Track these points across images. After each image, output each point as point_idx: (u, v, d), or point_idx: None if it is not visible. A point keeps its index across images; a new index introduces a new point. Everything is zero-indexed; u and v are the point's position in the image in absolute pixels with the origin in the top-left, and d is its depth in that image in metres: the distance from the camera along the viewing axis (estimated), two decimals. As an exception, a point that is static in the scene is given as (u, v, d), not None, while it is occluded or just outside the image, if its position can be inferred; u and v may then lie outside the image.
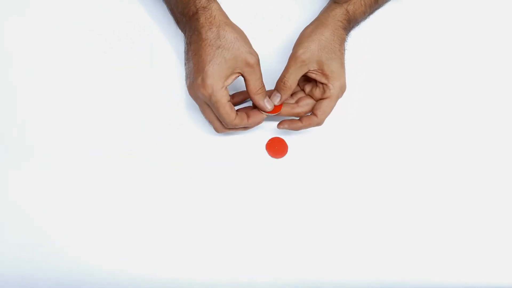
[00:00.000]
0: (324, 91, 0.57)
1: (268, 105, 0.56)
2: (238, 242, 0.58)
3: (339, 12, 0.57)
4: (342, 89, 0.57)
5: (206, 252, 0.58)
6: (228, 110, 0.54)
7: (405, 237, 0.60)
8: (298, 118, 0.59)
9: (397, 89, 0.65)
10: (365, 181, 0.61)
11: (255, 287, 0.58)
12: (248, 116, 0.57)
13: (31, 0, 0.64)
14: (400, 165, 0.62)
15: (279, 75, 0.57)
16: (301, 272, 0.58)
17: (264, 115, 0.57)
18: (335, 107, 0.58)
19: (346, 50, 0.58)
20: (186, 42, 0.56)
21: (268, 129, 0.62)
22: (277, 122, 0.59)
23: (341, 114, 0.62)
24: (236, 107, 0.59)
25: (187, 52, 0.56)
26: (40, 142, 0.60)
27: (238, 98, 0.60)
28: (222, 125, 0.57)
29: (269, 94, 0.58)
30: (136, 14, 0.65)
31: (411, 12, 0.68)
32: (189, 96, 0.56)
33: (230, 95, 0.59)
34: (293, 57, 0.55)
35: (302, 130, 0.60)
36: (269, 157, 0.61)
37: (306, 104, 0.58)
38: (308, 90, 0.59)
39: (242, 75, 0.55)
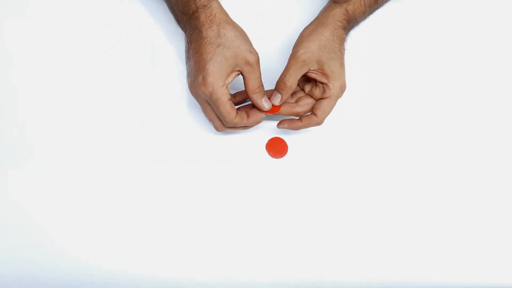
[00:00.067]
0: (324, 91, 0.57)
1: (266, 104, 0.57)
2: (238, 242, 0.58)
3: (338, 12, 0.57)
4: (342, 89, 0.57)
5: (206, 252, 0.58)
6: (228, 109, 0.54)
7: (405, 237, 0.60)
8: (297, 118, 0.59)
9: (397, 89, 0.65)
10: (365, 181, 0.61)
11: (255, 287, 0.58)
12: (248, 115, 0.57)
13: (31, 0, 0.64)
14: (400, 164, 0.62)
15: (279, 74, 0.57)
16: (301, 272, 0.58)
17: (264, 114, 0.57)
18: (334, 107, 0.58)
19: (345, 50, 0.58)
20: (187, 40, 0.56)
21: (268, 129, 0.62)
22: (277, 122, 0.60)
23: (340, 114, 0.62)
24: (236, 106, 0.59)
25: (188, 50, 0.56)
26: (40, 142, 0.60)
27: (239, 97, 0.60)
28: (222, 123, 0.57)
29: (270, 94, 0.58)
30: (136, 14, 0.65)
31: (411, 12, 0.68)
32: (190, 96, 0.57)
33: (231, 94, 0.59)
34: (293, 57, 0.56)
35: (302, 130, 0.60)
36: (269, 157, 0.61)
37: (306, 103, 0.58)
38: (308, 89, 0.59)
39: (242, 74, 0.55)
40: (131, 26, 0.65)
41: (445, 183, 0.62)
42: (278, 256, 0.58)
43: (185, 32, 0.57)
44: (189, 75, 0.56)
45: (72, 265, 0.57)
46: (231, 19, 0.55)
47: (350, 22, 0.59)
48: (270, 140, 0.62)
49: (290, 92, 0.57)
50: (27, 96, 0.61)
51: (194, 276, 0.57)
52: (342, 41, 0.57)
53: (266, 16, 0.66)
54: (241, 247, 0.58)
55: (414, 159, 0.62)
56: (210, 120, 0.58)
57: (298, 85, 0.60)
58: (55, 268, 0.56)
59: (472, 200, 0.61)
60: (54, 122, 0.61)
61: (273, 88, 0.59)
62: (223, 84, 0.54)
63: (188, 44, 0.56)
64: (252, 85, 0.55)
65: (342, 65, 0.57)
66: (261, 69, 0.56)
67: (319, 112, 0.57)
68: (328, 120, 0.59)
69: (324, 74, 0.56)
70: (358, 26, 0.62)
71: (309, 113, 0.59)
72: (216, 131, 0.59)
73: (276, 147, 0.62)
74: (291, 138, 0.62)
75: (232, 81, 0.55)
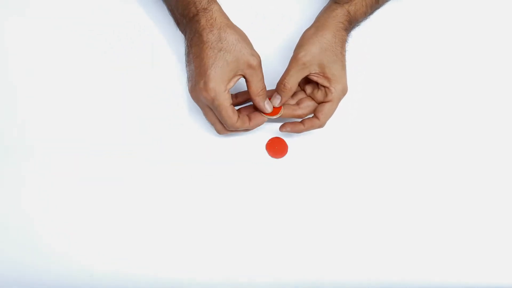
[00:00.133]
0: (326, 94, 0.57)
1: (268, 107, 0.57)
2: (238, 242, 0.58)
3: (340, 13, 0.57)
4: (344, 92, 0.57)
5: (206, 252, 0.58)
6: (230, 113, 0.54)
7: (405, 237, 0.60)
8: (299, 120, 0.59)
9: (397, 89, 0.65)
10: (365, 181, 0.61)
11: (255, 287, 0.58)
12: (249, 119, 0.57)
13: (31, 0, 0.64)
14: (400, 165, 0.62)
15: (280, 75, 0.57)
16: (301, 272, 0.58)
17: (266, 118, 0.57)
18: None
19: (346, 51, 0.58)
20: (187, 44, 0.56)
21: (268, 129, 0.62)
22: (278, 123, 0.59)
23: (341, 114, 0.62)
24: (238, 107, 0.59)
25: (188, 54, 0.56)
26: (40, 142, 0.60)
27: (241, 98, 0.60)
28: (224, 127, 0.57)
29: (270, 94, 0.59)
30: (136, 14, 0.65)
31: (411, 12, 0.68)
32: (189, 96, 0.56)
33: (233, 95, 0.59)
34: (294, 60, 0.55)
35: (302, 131, 0.60)
36: (269, 157, 0.61)
37: (307, 106, 0.58)
38: (309, 91, 0.59)
39: (244, 77, 0.55)
40: (131, 26, 0.65)
41: (445, 183, 0.62)
42: (278, 256, 0.58)
43: (185, 35, 0.57)
44: (190, 79, 0.56)
45: (72, 265, 0.57)
46: (231, 23, 0.55)
47: (352, 23, 0.59)
48: (270, 140, 0.62)
49: (290, 94, 0.57)
50: (27, 96, 0.61)
51: (194, 276, 0.57)
52: (343, 43, 0.57)
53: (267, 16, 0.66)
54: (241, 247, 0.58)
55: (413, 159, 0.62)
56: (212, 124, 0.58)
57: (299, 86, 0.60)
58: (55, 268, 0.56)
59: (472, 201, 0.61)
60: (54, 122, 0.61)
61: (273, 88, 0.59)
62: (224, 89, 0.53)
63: (188, 48, 0.56)
64: (255, 88, 0.55)
65: (343, 67, 0.57)
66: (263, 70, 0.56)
67: (321, 115, 0.57)
68: (328, 120, 0.59)
69: (325, 77, 0.56)
70: (358, 26, 0.62)
71: (311, 116, 0.59)
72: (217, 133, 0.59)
73: (276, 147, 0.62)
74: (291, 138, 0.62)
75: (233, 85, 0.55)
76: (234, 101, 0.59)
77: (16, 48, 0.63)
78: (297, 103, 0.59)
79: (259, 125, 0.58)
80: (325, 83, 0.56)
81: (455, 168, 0.62)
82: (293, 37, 0.58)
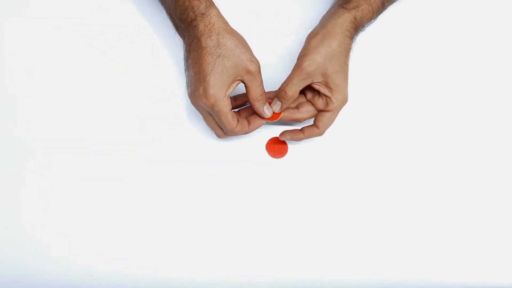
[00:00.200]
0: (326, 103, 0.57)
1: (267, 111, 0.57)
2: (238, 242, 0.58)
3: (347, 20, 0.56)
4: (344, 102, 0.57)
5: (206, 252, 0.58)
6: (230, 119, 0.54)
7: (405, 237, 0.60)
8: (299, 129, 0.59)
9: (397, 91, 0.65)
10: (365, 181, 0.61)
11: (255, 287, 0.58)
12: (249, 123, 0.57)
13: (31, 0, 0.64)
14: (399, 164, 0.62)
15: (279, 79, 0.56)
16: (301, 272, 0.58)
17: (265, 120, 0.57)
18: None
19: (350, 59, 0.58)
20: (186, 49, 0.56)
21: (268, 129, 0.62)
22: (279, 124, 0.59)
23: (341, 115, 0.62)
24: (237, 109, 0.59)
25: (187, 59, 0.55)
26: (40, 142, 0.60)
27: (240, 101, 0.60)
28: (223, 131, 0.57)
29: (270, 96, 0.59)
30: (136, 14, 0.65)
31: (411, 13, 0.68)
32: (189, 97, 0.56)
33: (232, 97, 0.59)
34: (298, 68, 0.55)
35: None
36: (269, 157, 0.61)
37: (307, 110, 0.58)
38: (310, 97, 0.58)
39: (243, 82, 0.55)
40: (131, 26, 0.65)
41: (445, 183, 0.62)
42: (278, 256, 0.58)
43: (184, 40, 0.56)
44: (189, 85, 0.55)
45: (72, 265, 0.57)
46: (230, 27, 0.54)
47: (357, 29, 0.58)
48: (270, 140, 0.62)
49: (291, 101, 0.56)
50: (27, 96, 0.61)
51: (194, 276, 0.57)
52: (348, 52, 0.56)
53: (266, 20, 0.66)
54: (241, 247, 0.58)
55: (412, 160, 0.62)
56: (211, 128, 0.58)
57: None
58: (55, 268, 0.56)
59: (472, 201, 0.61)
60: (54, 122, 0.61)
61: (272, 89, 0.59)
62: (224, 95, 0.53)
63: (187, 53, 0.55)
64: (255, 93, 0.55)
65: (346, 77, 0.57)
66: (262, 75, 0.56)
67: (320, 124, 0.57)
68: (328, 128, 0.59)
69: (328, 87, 0.56)
70: (363, 31, 0.62)
71: (310, 124, 0.59)
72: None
73: (276, 147, 0.62)
74: (291, 138, 0.62)
75: (233, 91, 0.55)
76: (233, 104, 0.59)
77: (16, 48, 0.63)
78: (297, 107, 0.59)
79: (257, 128, 0.58)
80: (327, 93, 0.56)
81: (454, 169, 0.62)
82: (294, 40, 0.58)
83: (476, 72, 0.66)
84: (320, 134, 0.58)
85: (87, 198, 0.59)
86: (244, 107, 0.60)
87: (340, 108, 0.57)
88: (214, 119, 0.56)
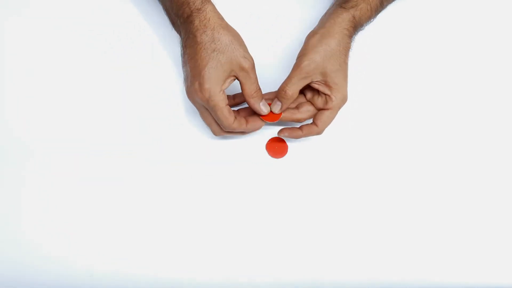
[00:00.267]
0: (326, 102, 0.57)
1: (264, 108, 0.56)
2: (238, 242, 0.58)
3: (346, 19, 0.56)
4: (344, 100, 0.57)
5: (206, 252, 0.58)
6: (226, 114, 0.54)
7: (405, 237, 0.60)
8: (298, 126, 0.59)
9: (397, 90, 0.65)
10: (365, 181, 0.61)
11: (255, 287, 0.58)
12: (247, 121, 0.57)
13: (31, 0, 0.64)
14: (400, 164, 0.62)
15: (275, 77, 0.56)
16: (301, 272, 0.58)
17: (263, 122, 0.57)
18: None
19: (349, 58, 0.58)
20: (182, 45, 0.56)
21: (268, 130, 0.62)
22: (278, 125, 0.59)
23: (340, 114, 0.62)
24: (237, 108, 0.59)
25: (184, 55, 0.56)
26: (40, 142, 0.60)
27: (239, 99, 0.60)
28: (220, 128, 0.57)
29: (270, 97, 0.59)
30: (136, 14, 0.65)
31: (410, 13, 0.68)
32: (189, 97, 0.56)
33: (230, 96, 0.59)
34: (297, 68, 0.55)
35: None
36: (269, 157, 0.61)
37: (307, 110, 0.58)
38: (309, 96, 0.59)
39: (237, 79, 0.55)
40: (131, 26, 0.65)
41: (444, 182, 0.62)
42: (278, 256, 0.58)
43: (180, 36, 0.57)
44: (186, 80, 0.56)
45: (72, 265, 0.57)
46: (226, 23, 0.55)
47: (356, 29, 0.58)
48: (270, 140, 0.62)
49: (291, 101, 0.56)
50: (27, 96, 0.61)
51: (194, 276, 0.57)
52: (347, 50, 0.57)
53: (262, 16, 0.66)
54: (241, 247, 0.58)
55: (411, 160, 0.62)
56: (208, 124, 0.58)
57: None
58: (55, 268, 0.56)
59: (472, 201, 0.61)
60: (54, 122, 0.61)
61: (272, 90, 0.59)
62: (220, 89, 0.53)
63: (183, 49, 0.56)
64: (249, 90, 0.55)
65: (345, 76, 0.57)
66: (258, 72, 0.56)
67: (319, 122, 0.57)
68: (327, 127, 0.59)
69: (327, 85, 0.56)
70: (362, 30, 0.62)
71: (309, 122, 0.59)
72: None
73: (276, 147, 0.62)
74: (291, 138, 0.62)
75: (228, 86, 0.55)
76: (232, 102, 0.59)
77: (16, 48, 0.63)
78: (297, 107, 0.59)
79: (257, 129, 0.58)
80: (327, 91, 0.56)
81: (454, 169, 0.62)
82: (294, 41, 0.58)
83: (475, 71, 0.66)
84: (319, 132, 0.58)
85: (87, 198, 0.59)
86: (244, 107, 0.60)
87: (340, 107, 0.57)
88: (211, 115, 0.56)
